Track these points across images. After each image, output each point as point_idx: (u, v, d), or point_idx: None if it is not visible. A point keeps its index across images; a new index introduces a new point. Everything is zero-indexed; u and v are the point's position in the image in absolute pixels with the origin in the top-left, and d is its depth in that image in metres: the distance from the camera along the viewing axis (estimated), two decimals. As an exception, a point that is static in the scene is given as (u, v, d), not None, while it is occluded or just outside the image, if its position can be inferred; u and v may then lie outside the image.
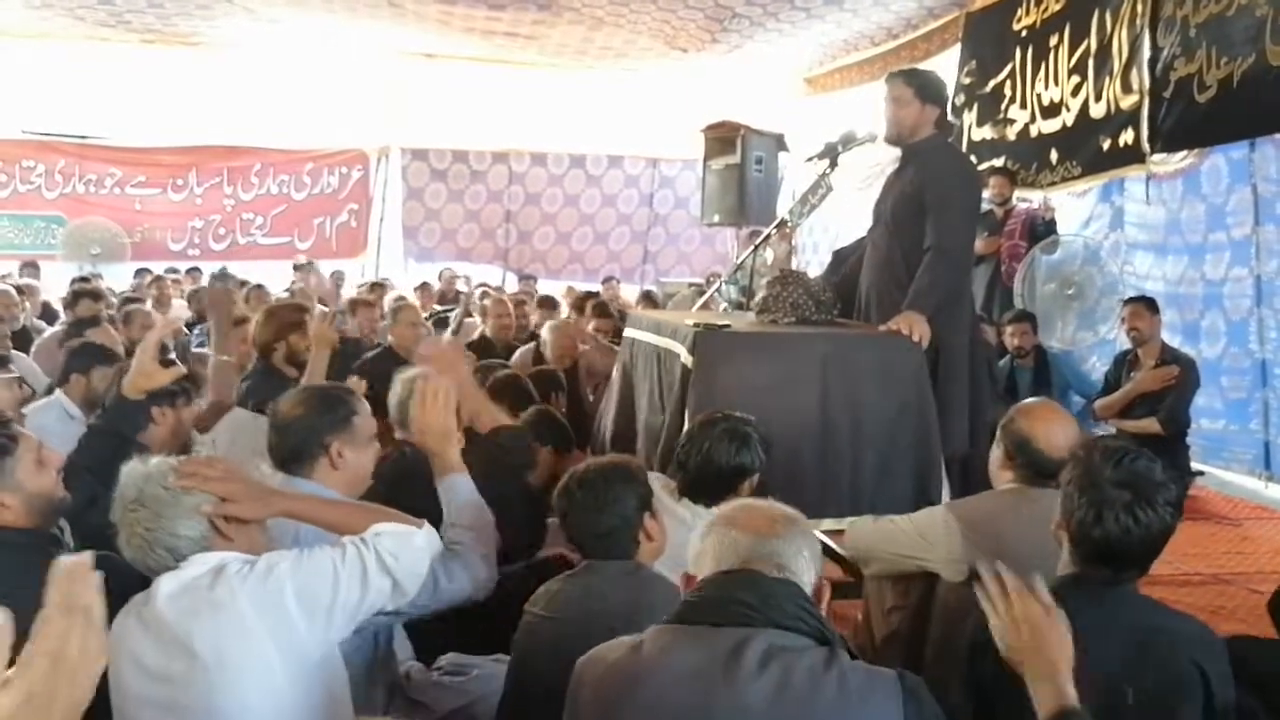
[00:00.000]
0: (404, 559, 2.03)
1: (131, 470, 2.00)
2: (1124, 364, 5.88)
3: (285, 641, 1.87)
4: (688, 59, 10.36)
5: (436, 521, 2.34)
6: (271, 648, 1.85)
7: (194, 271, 11.04)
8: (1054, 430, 2.65)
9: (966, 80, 7.90)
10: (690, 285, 10.14)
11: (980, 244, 7.18)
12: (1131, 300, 5.88)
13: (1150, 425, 5.41)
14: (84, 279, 8.82)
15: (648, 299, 9.15)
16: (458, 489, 2.49)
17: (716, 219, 8.22)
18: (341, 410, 2.62)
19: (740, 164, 7.73)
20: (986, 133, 7.67)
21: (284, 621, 1.87)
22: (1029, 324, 6.35)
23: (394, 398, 3.20)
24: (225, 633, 1.83)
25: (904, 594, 2.91)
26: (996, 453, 2.77)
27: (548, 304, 8.24)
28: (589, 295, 8.51)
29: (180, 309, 8.80)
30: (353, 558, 1.97)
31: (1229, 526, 5.34)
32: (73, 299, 6.42)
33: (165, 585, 1.89)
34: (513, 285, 11.80)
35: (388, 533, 2.04)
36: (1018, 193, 7.35)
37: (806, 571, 1.61)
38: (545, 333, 6.12)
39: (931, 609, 2.75)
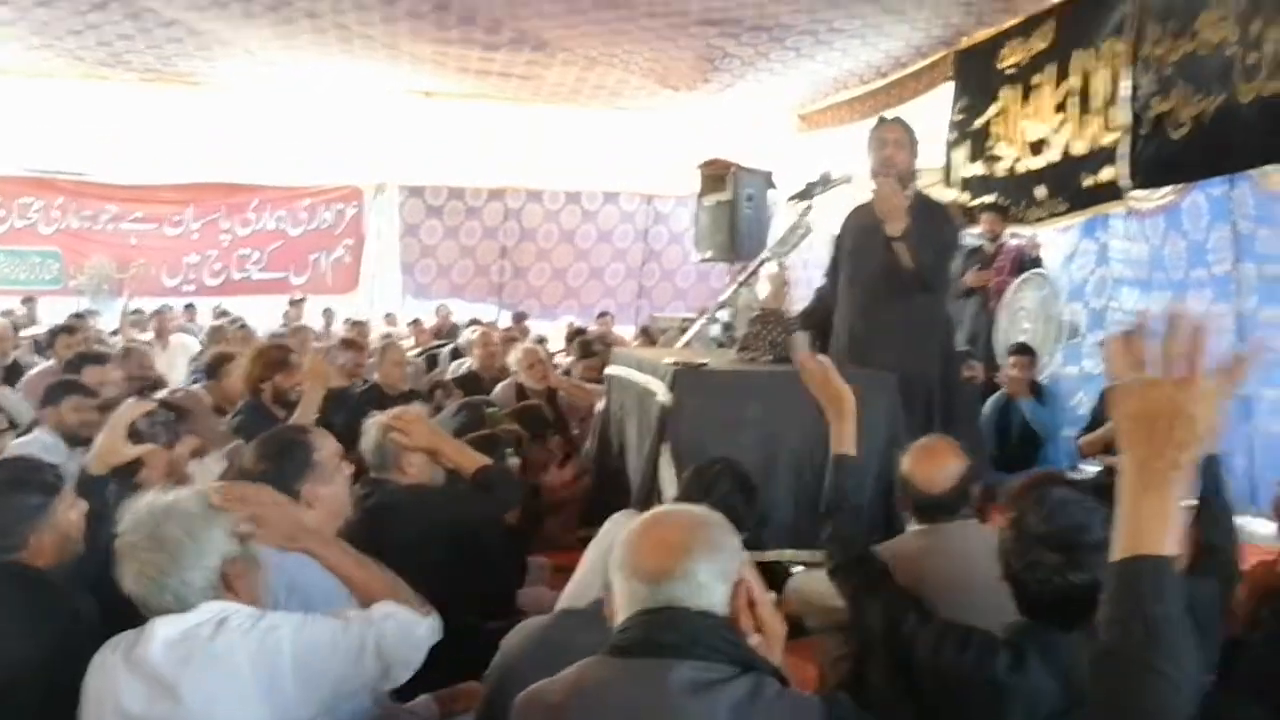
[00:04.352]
0: (403, 649, 2.02)
1: (152, 503, 1.94)
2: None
3: (275, 702, 1.87)
4: (680, 97, 10.45)
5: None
6: (263, 707, 1.86)
7: (189, 308, 11.08)
8: (931, 468, 2.67)
9: (958, 117, 7.98)
10: (684, 321, 10.19)
11: (971, 276, 7.26)
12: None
13: (1135, 461, 5.41)
14: (79, 315, 8.86)
15: (645, 335, 9.19)
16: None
17: (710, 254, 8.24)
18: (300, 454, 2.62)
19: (732, 200, 7.75)
20: (977, 169, 7.74)
21: (277, 683, 1.87)
22: (1028, 357, 6.36)
23: (367, 442, 3.21)
24: (218, 685, 1.83)
25: (847, 642, 2.93)
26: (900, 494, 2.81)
27: (511, 341, 8.10)
28: (579, 332, 8.52)
29: (177, 344, 8.83)
30: (354, 636, 1.96)
31: (1215, 562, 5.32)
32: (49, 338, 6.46)
33: (162, 630, 1.88)
34: (508, 322, 11.84)
35: (395, 618, 2.03)
36: (1008, 229, 7.41)
37: (716, 590, 1.57)
38: (512, 361, 6.16)
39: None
